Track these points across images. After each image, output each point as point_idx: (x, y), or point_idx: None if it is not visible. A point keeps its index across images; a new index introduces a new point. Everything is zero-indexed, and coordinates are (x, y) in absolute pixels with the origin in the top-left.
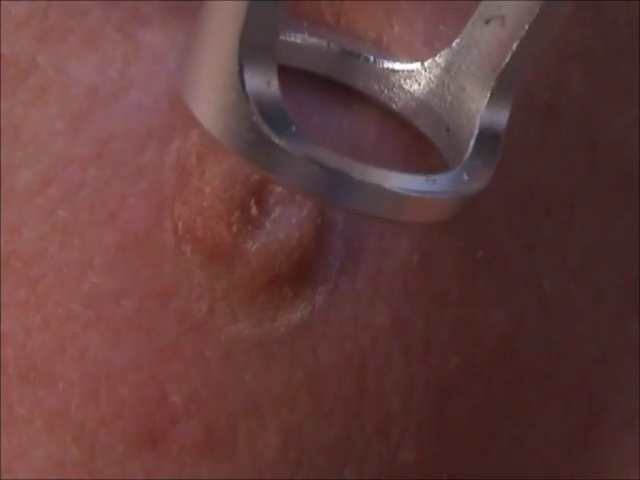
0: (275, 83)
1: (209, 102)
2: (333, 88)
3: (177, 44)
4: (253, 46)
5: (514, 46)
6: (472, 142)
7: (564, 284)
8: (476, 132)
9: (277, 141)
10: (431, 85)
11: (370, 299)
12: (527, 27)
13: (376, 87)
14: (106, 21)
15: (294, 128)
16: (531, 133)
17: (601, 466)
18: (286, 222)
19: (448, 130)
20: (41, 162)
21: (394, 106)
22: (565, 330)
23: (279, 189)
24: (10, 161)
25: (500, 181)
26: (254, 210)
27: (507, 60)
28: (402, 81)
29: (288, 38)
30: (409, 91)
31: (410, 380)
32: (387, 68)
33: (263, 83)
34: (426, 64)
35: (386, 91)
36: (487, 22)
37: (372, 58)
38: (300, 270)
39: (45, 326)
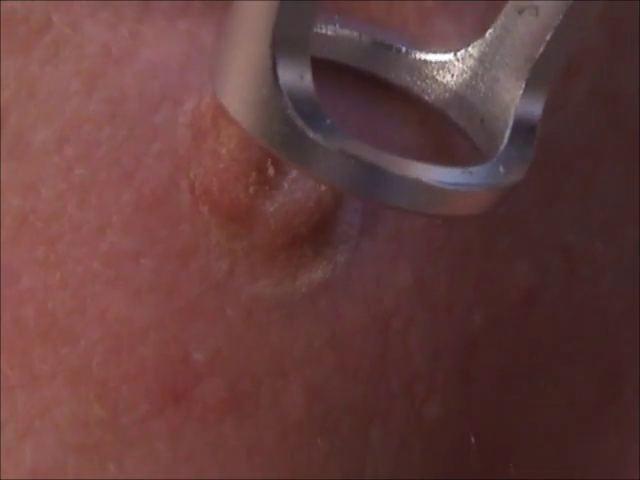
0: (309, 77)
1: (242, 97)
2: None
3: (186, 5)
4: (286, 39)
5: (548, 36)
6: (507, 133)
7: (587, 239)
8: (511, 123)
9: (311, 135)
10: (464, 76)
11: (392, 258)
12: (561, 17)
13: (408, 79)
14: None
15: (328, 121)
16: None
17: (627, 422)
18: (304, 182)
19: (482, 121)
20: (57, 121)
21: (427, 97)
22: (589, 285)
23: None
24: (26, 119)
25: None
26: (271, 171)
27: (541, 51)
28: (435, 72)
29: (319, 30)
30: (442, 82)
31: (434, 337)
32: (419, 59)
33: (296, 77)
34: (459, 55)
35: (419, 82)
36: (520, 12)
37: (404, 49)
38: (320, 230)
39: (65, 284)
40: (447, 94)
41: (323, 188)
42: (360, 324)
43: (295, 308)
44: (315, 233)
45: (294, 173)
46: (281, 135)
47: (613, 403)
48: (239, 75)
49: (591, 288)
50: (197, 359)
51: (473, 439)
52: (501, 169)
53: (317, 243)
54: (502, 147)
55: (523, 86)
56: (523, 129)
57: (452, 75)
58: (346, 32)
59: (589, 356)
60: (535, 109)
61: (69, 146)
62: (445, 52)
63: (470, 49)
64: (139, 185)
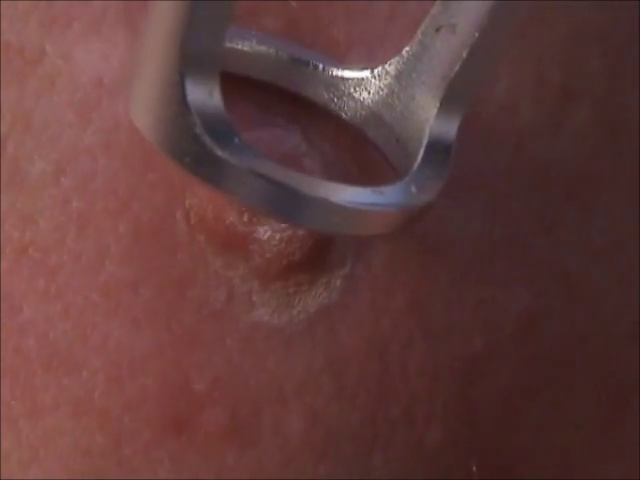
0: (218, 94)
1: (151, 113)
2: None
3: None
4: (195, 56)
5: (464, 54)
6: (421, 153)
7: (587, 264)
8: (425, 142)
9: (220, 153)
10: (381, 94)
11: (387, 283)
12: (477, 35)
13: (325, 95)
14: (108, 8)
15: (237, 140)
16: (547, 114)
17: (631, 448)
18: None
19: (398, 140)
20: (53, 152)
21: (344, 115)
22: (590, 311)
23: None
24: (23, 151)
25: (515, 161)
26: None
27: (457, 69)
28: (352, 89)
29: (236, 45)
30: (359, 99)
31: (433, 362)
32: (337, 76)
33: (205, 94)
34: (376, 72)
35: (336, 99)
36: (437, 30)
37: (321, 66)
38: (314, 256)
39: (66, 315)
40: (364, 112)
41: None
42: (358, 349)
43: (293, 335)
44: (310, 260)
45: None
46: (190, 154)
47: (615, 429)
48: (149, 90)
49: (591, 314)
50: (197, 388)
51: (475, 465)
52: (413, 189)
53: (312, 269)
54: (415, 166)
55: (438, 105)
56: (438, 148)
57: (369, 92)
58: (263, 48)
59: (590, 381)
60: (450, 128)
61: (66, 177)
62: (362, 69)
63: (387, 66)
64: (135, 215)
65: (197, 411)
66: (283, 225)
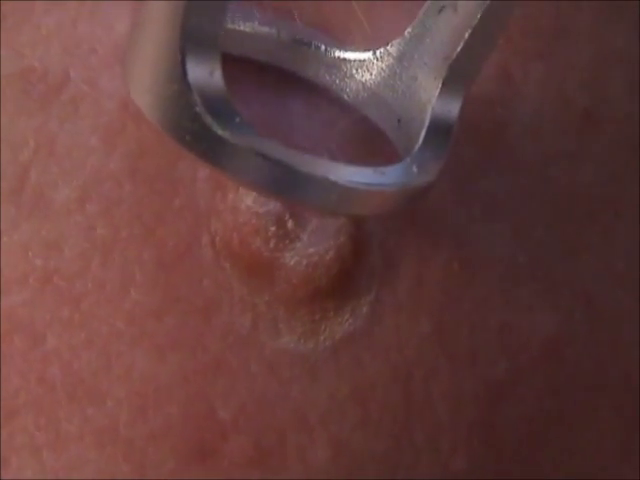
0: (219, 73)
1: (152, 93)
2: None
3: None
4: (196, 35)
5: (466, 35)
6: (423, 133)
7: (610, 289)
8: (427, 123)
9: (220, 132)
10: (383, 75)
11: (412, 309)
12: (480, 16)
13: (327, 77)
14: None
15: (238, 119)
16: (570, 139)
17: None
18: (323, 234)
19: (400, 121)
20: (77, 178)
21: (345, 96)
22: (613, 336)
23: None
24: (46, 178)
25: (540, 186)
26: (290, 224)
27: (459, 49)
28: (354, 71)
29: (237, 27)
30: (361, 81)
31: (458, 388)
32: (338, 57)
33: (206, 73)
34: (378, 53)
35: (337, 81)
36: (440, 11)
37: (323, 47)
38: (340, 282)
39: (90, 344)
40: (365, 93)
41: (342, 239)
42: (383, 376)
43: (318, 362)
44: (336, 285)
45: (313, 225)
46: (190, 132)
47: (634, 454)
48: (149, 69)
49: (615, 338)
50: (223, 416)
51: None
52: (414, 169)
53: (338, 295)
54: (417, 147)
55: (439, 86)
56: (439, 129)
57: (371, 74)
58: (265, 29)
59: (612, 406)
60: (452, 109)
61: (90, 204)
62: (364, 50)
63: (389, 47)
64: (160, 242)
65: (221, 440)
66: (310, 250)
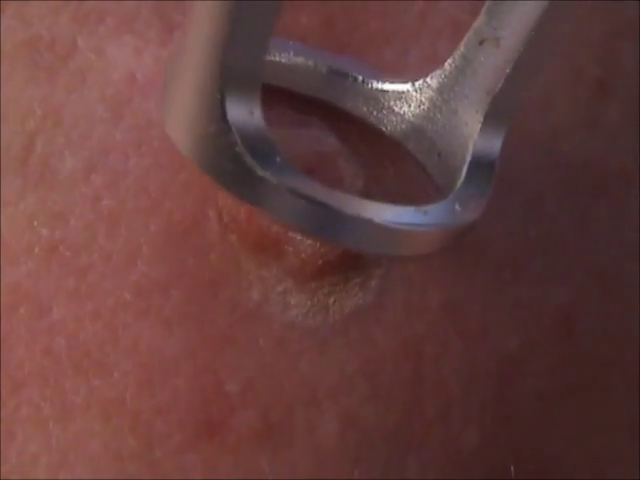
0: (258, 112)
1: (190, 131)
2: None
3: None
4: (236, 74)
5: (509, 69)
6: (465, 169)
7: (622, 261)
8: (469, 159)
9: (261, 173)
10: (422, 107)
11: (423, 283)
12: (522, 50)
13: (365, 109)
14: (141, 4)
15: (279, 159)
16: (582, 110)
17: None
18: None
19: (440, 155)
20: (83, 149)
21: (384, 129)
22: (624, 307)
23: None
24: (52, 148)
25: (549, 159)
26: None
27: (501, 84)
28: (392, 102)
29: (274, 57)
30: (399, 113)
31: (469, 363)
32: (376, 89)
33: (246, 112)
34: (417, 85)
35: (375, 112)
36: (481, 43)
37: (361, 78)
38: (350, 256)
39: (96, 315)
40: (404, 125)
41: None
42: (392, 351)
43: (327, 336)
44: (344, 259)
45: None
46: (230, 172)
47: None
48: (187, 108)
49: (626, 311)
50: (230, 390)
51: (512, 467)
52: (457, 207)
53: (347, 270)
54: (459, 184)
55: (482, 120)
56: (481, 165)
57: (409, 106)
58: (301, 59)
59: (624, 381)
60: (494, 144)
61: (96, 175)
62: (403, 82)
63: (429, 80)
64: (167, 214)
65: (229, 413)
66: None
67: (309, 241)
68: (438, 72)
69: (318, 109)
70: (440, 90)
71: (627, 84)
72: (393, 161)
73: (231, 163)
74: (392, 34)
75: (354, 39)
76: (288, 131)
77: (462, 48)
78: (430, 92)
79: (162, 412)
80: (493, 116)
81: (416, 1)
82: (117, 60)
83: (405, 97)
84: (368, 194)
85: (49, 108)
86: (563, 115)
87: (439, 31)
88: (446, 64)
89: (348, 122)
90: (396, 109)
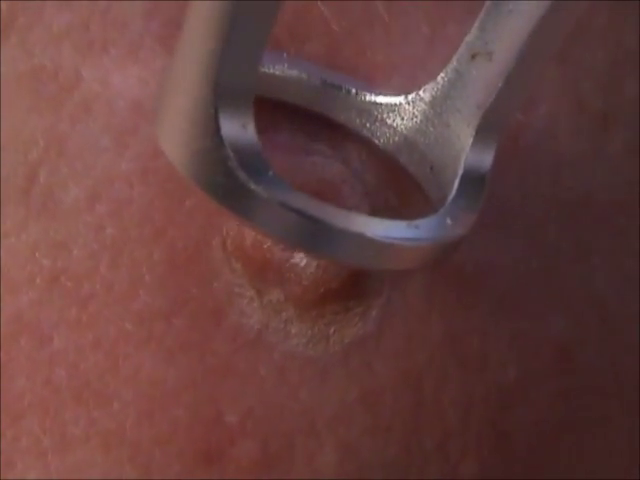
0: (252, 126)
1: (183, 145)
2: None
3: None
4: (229, 89)
5: (500, 83)
6: (456, 183)
7: (621, 291)
8: (460, 172)
9: (253, 187)
10: (415, 120)
11: (423, 313)
12: (515, 64)
13: (358, 121)
14: (146, 32)
15: (271, 173)
16: (585, 141)
17: None
18: None
19: (432, 168)
20: (88, 178)
21: (376, 141)
22: (625, 340)
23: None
24: (56, 178)
25: (552, 189)
26: None
27: (493, 98)
28: (385, 115)
29: (267, 70)
30: (392, 126)
31: (468, 394)
32: (369, 101)
33: (239, 126)
34: (410, 98)
35: (368, 125)
36: (473, 57)
37: (354, 91)
38: (351, 285)
39: (97, 345)
40: (397, 138)
41: None
42: (392, 380)
43: (327, 365)
44: (346, 288)
45: None
46: (223, 186)
47: None
48: (180, 122)
49: (626, 342)
50: (230, 420)
51: None
52: (448, 221)
53: (349, 299)
54: (450, 198)
55: (473, 134)
56: (473, 179)
57: (402, 119)
58: (294, 72)
59: (624, 411)
60: (485, 158)
61: (100, 204)
62: (396, 95)
63: (421, 92)
64: (171, 242)
65: (229, 443)
66: None
67: (311, 269)
68: (431, 85)
69: (323, 129)
70: (432, 103)
71: (629, 115)
72: (399, 187)
73: (223, 177)
74: (398, 61)
75: (359, 67)
76: (293, 158)
77: (454, 62)
78: (423, 105)
79: (162, 442)
80: (484, 130)
81: (423, 26)
82: (122, 89)
83: (398, 110)
84: None
85: (52, 138)
86: (566, 146)
87: (446, 57)
88: (439, 77)
89: (355, 142)
90: (389, 121)
